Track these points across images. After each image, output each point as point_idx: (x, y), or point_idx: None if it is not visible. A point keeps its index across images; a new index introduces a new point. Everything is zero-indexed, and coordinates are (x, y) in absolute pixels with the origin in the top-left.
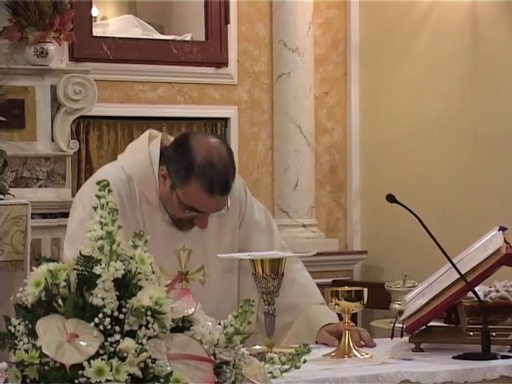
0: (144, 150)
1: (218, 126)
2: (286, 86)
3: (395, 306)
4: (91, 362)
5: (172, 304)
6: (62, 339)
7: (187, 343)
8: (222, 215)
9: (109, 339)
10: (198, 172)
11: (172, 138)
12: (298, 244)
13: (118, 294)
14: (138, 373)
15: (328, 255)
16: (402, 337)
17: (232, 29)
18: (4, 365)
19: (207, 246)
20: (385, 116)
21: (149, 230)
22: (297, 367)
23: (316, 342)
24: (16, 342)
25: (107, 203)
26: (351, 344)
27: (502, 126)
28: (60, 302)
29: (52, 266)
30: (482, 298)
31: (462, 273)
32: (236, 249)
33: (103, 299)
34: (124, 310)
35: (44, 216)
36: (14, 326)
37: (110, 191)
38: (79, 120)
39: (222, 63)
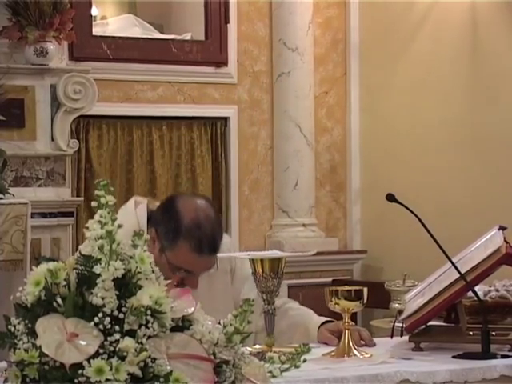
0: (131, 215)
1: (218, 125)
2: (286, 85)
3: (395, 305)
4: (91, 361)
5: (172, 303)
6: (61, 338)
7: (187, 343)
8: (212, 275)
9: (108, 338)
10: (186, 233)
11: (157, 203)
12: (298, 243)
13: (117, 293)
14: (138, 372)
15: (328, 255)
16: (401, 336)
17: (232, 28)
18: (4, 364)
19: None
20: (385, 116)
21: None
22: (296, 366)
23: (317, 341)
24: (16, 341)
25: (107, 202)
26: (351, 343)
27: (502, 125)
28: (60, 301)
29: (52, 265)
30: (481, 298)
31: (462, 272)
32: (231, 305)
33: (103, 298)
34: (124, 309)
35: (44, 215)
36: (14, 326)
37: (109, 192)
38: (79, 119)
39: (221, 63)
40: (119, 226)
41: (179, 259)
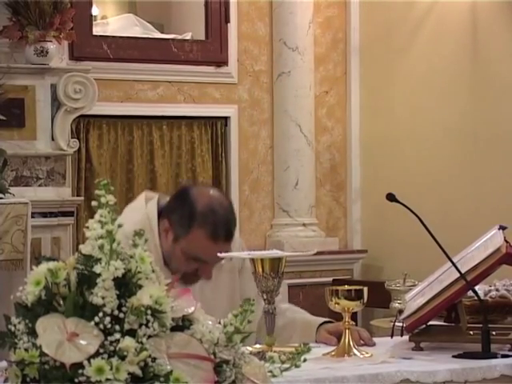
0: (142, 211)
1: (218, 124)
2: (286, 85)
3: (395, 305)
4: (91, 360)
5: (172, 303)
6: (62, 338)
7: (187, 342)
8: (219, 270)
9: (109, 338)
10: (201, 219)
11: (168, 197)
12: (299, 243)
13: (118, 292)
14: (138, 372)
15: (328, 254)
16: (402, 336)
17: (232, 28)
18: (4, 364)
19: (206, 295)
20: (385, 115)
21: None
22: (297, 366)
23: (316, 341)
24: (16, 340)
25: (107, 202)
26: (351, 343)
27: (502, 125)
28: (60, 300)
29: (52, 264)
30: (482, 297)
31: (462, 272)
32: (236, 294)
33: (103, 298)
34: (124, 308)
35: (44, 215)
36: (14, 325)
37: (110, 191)
38: (79, 119)
39: (222, 62)
40: (119, 226)
41: (194, 247)
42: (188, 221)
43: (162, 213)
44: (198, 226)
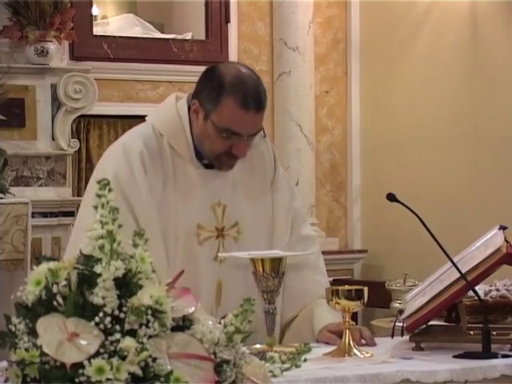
0: (172, 108)
1: None
2: (287, 84)
3: (396, 304)
4: (91, 360)
5: (172, 303)
6: (62, 338)
7: (188, 342)
8: (255, 171)
9: (109, 338)
10: (230, 89)
11: None
12: None
13: (118, 292)
14: (139, 372)
15: (328, 254)
16: (402, 336)
17: (232, 28)
18: (4, 364)
19: (240, 201)
20: (385, 115)
21: (182, 185)
22: (297, 366)
23: (317, 341)
24: (16, 340)
25: (107, 202)
26: (351, 343)
27: (503, 124)
28: (60, 300)
29: (52, 264)
30: (482, 297)
31: (463, 272)
32: (269, 207)
33: (104, 298)
34: (124, 308)
35: (44, 215)
36: (15, 325)
37: (110, 190)
38: (79, 119)
39: (222, 62)
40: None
41: (225, 118)
42: (217, 92)
43: (191, 99)
44: (228, 95)
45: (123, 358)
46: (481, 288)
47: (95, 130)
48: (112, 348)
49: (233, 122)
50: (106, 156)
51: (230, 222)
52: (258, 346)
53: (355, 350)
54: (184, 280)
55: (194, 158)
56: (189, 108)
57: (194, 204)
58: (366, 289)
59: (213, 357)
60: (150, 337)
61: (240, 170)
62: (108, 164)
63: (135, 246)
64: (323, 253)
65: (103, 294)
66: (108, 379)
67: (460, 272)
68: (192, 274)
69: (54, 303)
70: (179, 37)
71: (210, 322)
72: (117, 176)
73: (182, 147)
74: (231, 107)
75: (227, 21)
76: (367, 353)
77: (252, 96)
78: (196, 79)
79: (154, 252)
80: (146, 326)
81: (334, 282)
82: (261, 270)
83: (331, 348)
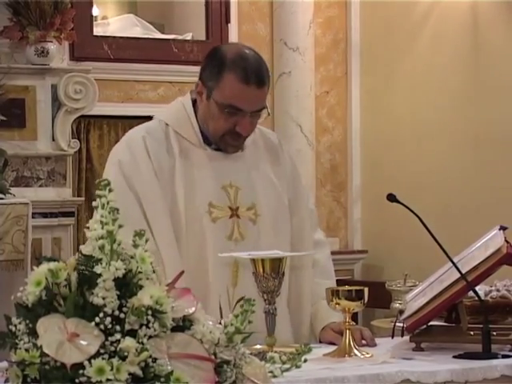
0: (176, 103)
1: None
2: (287, 85)
3: (396, 305)
4: (92, 361)
5: (172, 303)
6: (62, 338)
7: (188, 342)
8: (275, 159)
9: (109, 338)
10: (231, 64)
11: None
12: None
13: (118, 293)
14: (139, 372)
15: None
16: (402, 336)
17: (233, 28)
18: (5, 364)
19: (257, 185)
20: (385, 115)
21: (191, 166)
22: (297, 366)
23: (319, 341)
24: (17, 341)
25: (108, 202)
26: (352, 343)
27: (503, 124)
28: (61, 301)
29: (52, 265)
30: (482, 298)
31: (463, 272)
32: (285, 195)
33: (104, 298)
34: (125, 309)
35: (45, 215)
36: (15, 326)
37: (110, 190)
38: (80, 119)
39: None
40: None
41: (226, 94)
42: (218, 69)
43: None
44: (229, 70)
45: (123, 358)
46: (481, 288)
47: (95, 131)
48: (112, 348)
49: (234, 97)
50: (111, 152)
51: (245, 204)
52: (258, 346)
53: (355, 351)
54: (197, 256)
55: (201, 142)
56: (193, 102)
57: (204, 183)
58: (366, 289)
59: (213, 357)
60: (150, 337)
61: (254, 156)
62: (112, 156)
63: (135, 246)
64: None
65: (103, 295)
66: (108, 379)
67: (460, 272)
68: (205, 251)
69: (55, 303)
70: (179, 37)
71: (210, 323)
72: (120, 161)
73: (189, 133)
74: (232, 82)
75: (227, 21)
76: (367, 353)
77: (253, 71)
78: (196, 79)
79: (158, 225)
80: (147, 326)
81: None
82: (261, 270)
83: (331, 348)
